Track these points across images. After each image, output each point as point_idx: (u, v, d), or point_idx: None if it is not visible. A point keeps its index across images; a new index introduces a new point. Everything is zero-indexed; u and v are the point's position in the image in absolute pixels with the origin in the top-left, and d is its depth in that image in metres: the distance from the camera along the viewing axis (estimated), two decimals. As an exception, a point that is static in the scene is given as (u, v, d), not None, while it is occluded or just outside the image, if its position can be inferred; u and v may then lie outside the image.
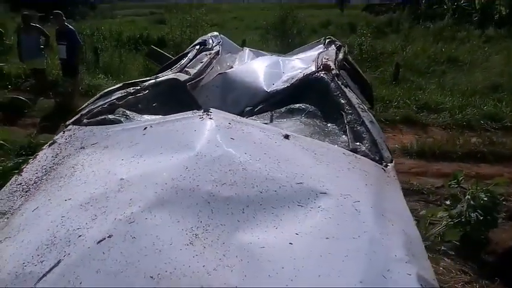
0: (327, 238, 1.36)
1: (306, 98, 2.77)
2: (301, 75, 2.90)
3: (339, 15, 22.81)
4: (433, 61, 11.45)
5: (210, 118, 1.92)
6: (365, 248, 1.34)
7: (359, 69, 3.51)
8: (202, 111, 1.99)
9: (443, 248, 3.96)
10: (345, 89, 2.61)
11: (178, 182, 1.54)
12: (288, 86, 2.92)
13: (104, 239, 1.33)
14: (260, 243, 1.33)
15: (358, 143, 2.25)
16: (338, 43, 4.25)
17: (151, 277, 1.21)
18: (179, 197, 1.48)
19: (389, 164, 2.14)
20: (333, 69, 2.80)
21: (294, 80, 2.91)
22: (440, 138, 6.63)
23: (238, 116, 2.03)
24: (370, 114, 2.47)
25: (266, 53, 4.42)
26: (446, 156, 6.20)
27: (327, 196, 1.55)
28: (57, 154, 2.03)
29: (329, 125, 2.50)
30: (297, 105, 2.69)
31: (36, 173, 1.91)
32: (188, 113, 2.00)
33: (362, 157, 2.02)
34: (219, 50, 3.77)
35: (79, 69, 8.15)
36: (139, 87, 2.76)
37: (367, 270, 1.26)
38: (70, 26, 7.86)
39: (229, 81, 3.25)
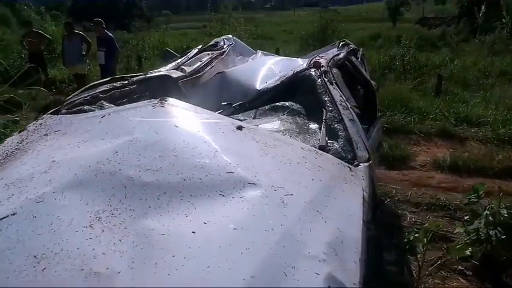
0: (235, 229, 1.24)
1: (295, 95, 2.66)
2: (291, 72, 2.78)
3: (391, 29, 22.28)
4: (483, 74, 10.81)
5: (162, 106, 1.86)
6: (273, 241, 1.21)
7: (364, 73, 3.33)
8: (158, 100, 1.94)
9: (459, 267, 3.64)
10: (330, 86, 2.47)
11: (102, 165, 1.49)
12: (277, 84, 2.82)
13: (8, 216, 1.30)
14: (161, 231, 1.24)
15: (331, 141, 2.11)
16: (352, 46, 4.09)
17: (34, 256, 1.15)
18: (98, 179, 1.43)
19: (361, 164, 1.98)
20: (322, 66, 2.67)
21: (284, 77, 2.80)
22: (477, 153, 6.18)
23: (195, 107, 1.96)
24: (353, 112, 2.31)
25: (280, 56, 4.33)
26: (481, 172, 5.75)
27: (254, 187, 1.43)
28: (22, 140, 2.05)
29: (308, 122, 2.37)
30: (281, 103, 2.59)
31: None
32: (145, 102, 1.96)
33: (325, 154, 1.88)
34: (224, 51, 3.73)
35: (116, 74, 8.44)
36: (126, 82, 2.76)
37: (265, 265, 1.13)
38: (109, 34, 8.18)
39: (226, 80, 3.20)
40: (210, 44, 4.36)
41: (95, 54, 8.42)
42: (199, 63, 3.32)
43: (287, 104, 2.57)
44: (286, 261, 1.16)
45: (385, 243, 3.80)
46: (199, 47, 3.73)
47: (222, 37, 4.40)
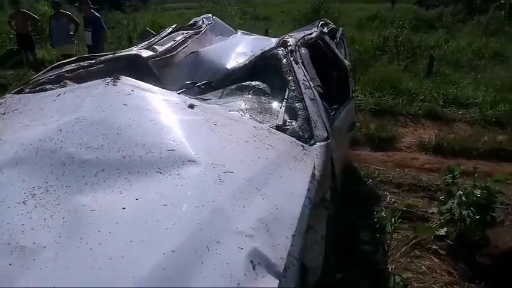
0: (165, 205, 1.25)
1: (262, 74, 2.65)
2: (259, 52, 2.76)
3: (389, 10, 22.00)
4: (477, 56, 10.73)
5: (114, 85, 1.85)
6: (201, 217, 1.22)
7: (337, 53, 3.31)
8: (111, 78, 1.93)
9: (434, 246, 3.68)
10: (294, 66, 2.46)
11: (43, 143, 1.49)
12: (246, 64, 2.81)
13: None
14: (93, 207, 1.25)
15: (290, 120, 2.11)
16: (331, 26, 4.06)
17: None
18: (38, 157, 1.43)
19: (317, 143, 1.98)
20: (289, 45, 2.65)
21: (253, 57, 2.79)
22: (463, 134, 6.18)
23: (149, 85, 1.95)
24: (315, 92, 2.31)
25: (258, 36, 4.29)
26: (466, 153, 5.76)
27: (193, 164, 1.44)
28: None
29: (272, 101, 2.36)
30: (248, 82, 2.58)
31: None
32: (99, 81, 1.95)
33: (278, 133, 1.88)
34: (199, 30, 3.70)
35: (105, 55, 8.37)
36: (93, 61, 2.75)
37: (188, 240, 1.15)
38: (96, 13, 8.08)
39: (199, 60, 3.18)
40: (189, 23, 4.32)
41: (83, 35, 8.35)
42: (172, 42, 3.29)
43: (253, 83, 2.56)
44: (212, 236, 1.17)
45: (362, 224, 3.84)
46: (173, 26, 3.68)
47: (201, 16, 4.35)
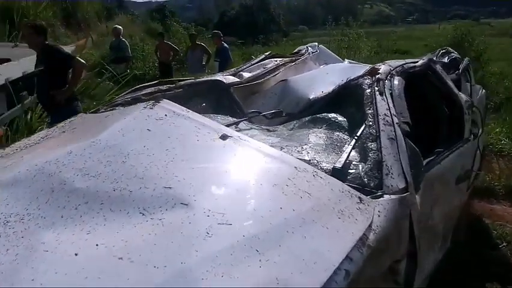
0: (120, 258, 0.99)
1: (343, 106, 2.27)
2: (345, 81, 2.39)
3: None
4: None
5: (151, 108, 1.69)
6: (152, 281, 0.93)
7: (451, 86, 2.71)
8: (153, 101, 1.77)
9: None
10: (377, 97, 2.03)
11: (47, 165, 1.37)
12: (329, 93, 2.45)
13: None
14: (49, 246, 1.06)
15: (355, 162, 1.71)
16: (454, 55, 3.46)
17: None
18: (34, 180, 1.32)
19: (386, 196, 1.55)
20: (378, 73, 2.22)
21: (337, 86, 2.42)
22: None
23: (192, 112, 1.73)
24: (398, 130, 1.86)
25: (363, 65, 3.88)
26: None
27: (184, 209, 1.16)
28: (45, 135, 2.07)
29: (344, 138, 1.98)
30: (325, 114, 2.22)
31: (19, 146, 1.93)
32: (141, 104, 1.82)
33: (328, 177, 1.50)
34: (296, 58, 3.45)
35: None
36: (173, 86, 2.69)
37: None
38: (225, 45, 8.47)
39: (286, 88, 2.92)
40: (293, 52, 4.12)
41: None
42: (262, 69, 3.10)
43: (330, 116, 2.20)
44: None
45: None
46: (267, 53, 3.50)
47: (307, 45, 4.12)
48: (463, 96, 2.73)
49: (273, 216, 1.21)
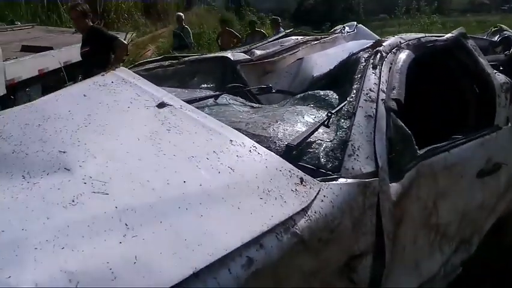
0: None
1: (341, 82, 2.04)
2: (346, 56, 2.13)
3: None
4: None
5: (102, 75, 1.61)
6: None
7: (484, 65, 2.29)
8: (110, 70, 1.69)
9: None
10: (369, 71, 1.77)
11: None
12: (330, 70, 2.21)
13: None
14: None
15: (319, 140, 1.50)
16: (507, 33, 2.99)
17: None
18: None
19: (340, 180, 1.35)
20: (382, 46, 1.94)
21: (338, 62, 2.18)
22: None
23: (144, 80, 1.61)
24: (382, 107, 1.61)
25: None
26: None
27: (64, 174, 1.06)
28: None
29: (323, 115, 1.76)
30: (316, 91, 2.01)
31: None
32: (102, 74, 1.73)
33: (266, 153, 1.32)
34: (323, 36, 3.20)
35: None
36: (175, 61, 2.61)
37: None
38: (281, 29, 8.27)
39: (300, 67, 2.71)
40: (332, 30, 3.88)
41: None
42: (278, 47, 2.91)
43: (322, 93, 1.97)
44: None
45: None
46: (289, 30, 3.28)
47: (345, 24, 3.83)
48: (499, 77, 2.32)
49: (167, 190, 1.06)
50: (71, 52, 5.88)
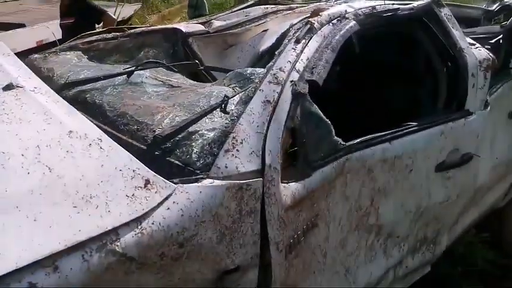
0: None
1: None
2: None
3: None
4: None
5: None
6: None
7: (456, 37, 1.92)
8: None
9: None
10: (288, 47, 1.50)
11: None
12: (272, 44, 1.94)
13: None
14: None
15: (197, 131, 1.27)
16: (508, 1, 2.58)
17: None
18: None
19: (203, 181, 1.12)
20: (319, 16, 1.64)
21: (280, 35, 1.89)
22: None
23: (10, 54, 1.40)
24: (289, 91, 1.34)
25: None
26: None
27: None
28: None
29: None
30: (249, 69, 1.77)
31: None
32: None
33: (111, 150, 1.10)
34: (299, 4, 2.87)
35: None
36: (119, 34, 2.39)
37: None
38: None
39: (260, 40, 2.43)
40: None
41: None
42: (241, 18, 2.61)
43: (249, 71, 1.71)
44: None
45: None
46: (258, -1, 2.95)
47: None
48: (479, 52, 1.96)
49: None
50: (48, 30, 5.33)
